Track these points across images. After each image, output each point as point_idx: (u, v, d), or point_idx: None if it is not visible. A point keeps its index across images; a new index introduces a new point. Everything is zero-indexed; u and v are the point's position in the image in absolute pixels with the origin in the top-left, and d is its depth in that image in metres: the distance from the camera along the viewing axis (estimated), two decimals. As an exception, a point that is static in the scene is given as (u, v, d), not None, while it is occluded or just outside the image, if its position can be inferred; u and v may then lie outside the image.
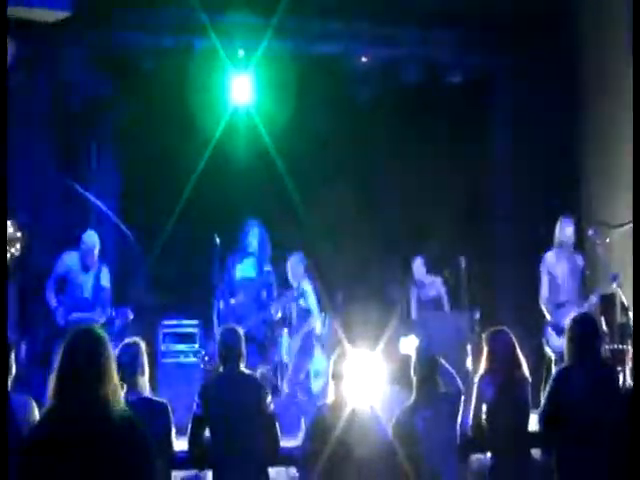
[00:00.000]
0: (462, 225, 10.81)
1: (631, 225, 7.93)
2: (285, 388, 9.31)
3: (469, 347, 9.45)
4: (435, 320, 9.80)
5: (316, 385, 9.67)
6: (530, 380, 6.15)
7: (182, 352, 9.15)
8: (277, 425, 5.88)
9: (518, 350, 6.12)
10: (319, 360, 9.96)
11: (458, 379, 6.15)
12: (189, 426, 5.82)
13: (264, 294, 8.78)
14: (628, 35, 8.91)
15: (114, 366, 3.95)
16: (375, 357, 7.25)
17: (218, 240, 8.67)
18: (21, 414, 4.81)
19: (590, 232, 8.89)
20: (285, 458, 6.19)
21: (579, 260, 8.88)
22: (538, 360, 8.44)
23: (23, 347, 8.34)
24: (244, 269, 8.79)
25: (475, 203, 11.22)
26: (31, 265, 8.73)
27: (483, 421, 5.99)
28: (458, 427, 5.99)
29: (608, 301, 8.82)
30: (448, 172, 10.97)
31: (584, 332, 5.90)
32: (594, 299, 8.61)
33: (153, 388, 6.15)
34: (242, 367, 5.94)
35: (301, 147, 10.83)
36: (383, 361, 8.04)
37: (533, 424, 6.14)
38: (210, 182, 10.49)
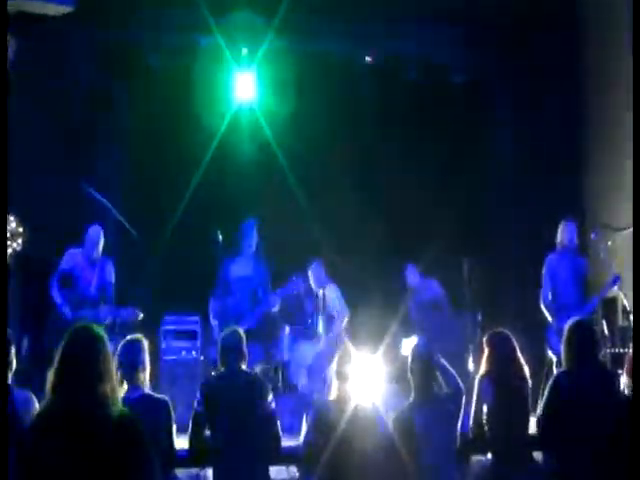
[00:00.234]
0: (463, 226, 10.80)
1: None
2: (300, 387, 9.36)
3: (471, 348, 9.46)
4: (435, 321, 9.81)
5: (318, 385, 9.68)
6: (530, 382, 6.14)
7: (183, 349, 9.14)
8: (278, 424, 5.91)
9: (519, 352, 6.12)
10: (323, 360, 9.98)
11: (459, 379, 6.14)
12: (190, 424, 5.84)
13: (260, 292, 8.75)
14: (628, 35, 8.90)
15: (112, 364, 3.98)
16: (376, 358, 7.27)
17: (220, 237, 8.66)
18: (22, 409, 4.81)
19: (593, 235, 8.90)
20: (286, 456, 6.19)
21: (581, 263, 8.88)
22: (539, 363, 8.43)
23: (25, 342, 8.34)
24: (240, 269, 8.76)
25: (476, 204, 11.20)
26: (34, 260, 8.72)
27: (483, 422, 5.99)
28: (459, 427, 5.98)
29: (610, 304, 8.83)
30: (449, 172, 10.98)
31: (581, 338, 5.94)
32: (596, 302, 8.61)
33: (155, 385, 6.16)
34: (243, 366, 5.97)
35: (304, 145, 10.84)
36: (384, 362, 8.06)
37: (533, 426, 6.14)
38: (214, 179, 10.52)
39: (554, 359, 8.38)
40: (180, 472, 6.15)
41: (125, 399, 5.35)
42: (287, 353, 10.24)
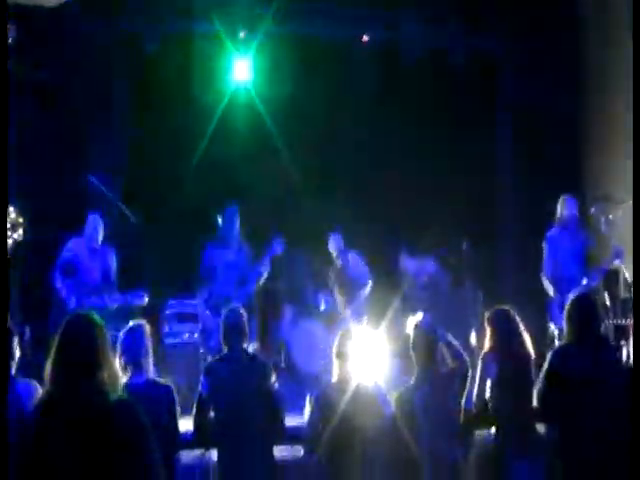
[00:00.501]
0: (463, 205, 10.78)
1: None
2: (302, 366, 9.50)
3: (473, 325, 9.49)
4: (435, 300, 9.82)
5: (320, 364, 9.72)
6: (534, 357, 6.16)
7: (186, 332, 9.18)
8: (281, 404, 5.94)
9: (521, 327, 6.14)
10: (324, 339, 10.00)
11: (464, 353, 6.15)
12: (194, 406, 5.87)
13: (242, 274, 8.69)
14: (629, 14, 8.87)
15: (110, 351, 3.98)
16: (379, 334, 7.29)
17: (220, 220, 8.66)
18: (26, 399, 4.83)
19: (593, 209, 8.89)
20: (290, 436, 6.20)
21: (582, 237, 8.88)
22: (542, 338, 8.45)
23: (27, 331, 8.36)
24: (224, 255, 8.71)
25: (477, 183, 11.18)
26: (35, 249, 8.74)
27: (487, 398, 6.01)
28: (463, 403, 5.99)
29: (612, 277, 8.84)
30: (449, 153, 10.96)
31: (582, 312, 5.94)
32: (598, 275, 8.62)
33: (157, 368, 6.16)
34: (246, 347, 5.99)
35: (302, 128, 10.83)
36: (387, 338, 8.08)
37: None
38: (212, 163, 10.52)
39: (556, 333, 8.40)
40: (185, 454, 6.21)
41: (129, 385, 5.40)
42: (288, 332, 10.30)
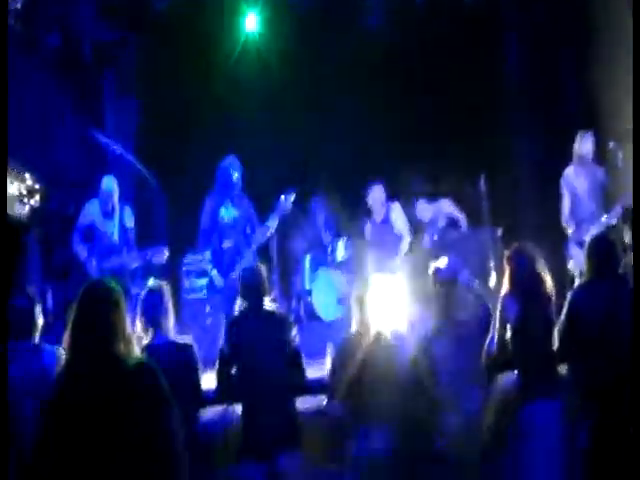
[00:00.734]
0: (481, 143, 10.69)
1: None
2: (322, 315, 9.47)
3: (492, 264, 9.47)
4: (456, 239, 9.78)
5: (340, 311, 9.76)
6: (554, 297, 6.15)
7: (204, 287, 9.20)
8: (302, 358, 5.97)
9: (541, 267, 6.10)
10: (342, 286, 10.04)
11: (487, 300, 6.14)
12: (216, 363, 5.91)
13: (248, 229, 8.49)
14: None
15: (127, 319, 4.00)
16: (399, 281, 7.28)
17: (236, 175, 8.55)
18: (51, 366, 4.88)
19: (611, 145, 8.81)
20: (312, 388, 6.26)
21: (600, 174, 8.82)
22: (561, 277, 8.43)
23: (49, 296, 8.42)
24: (227, 210, 8.49)
25: (493, 119, 11.06)
26: (52, 214, 8.77)
27: (507, 341, 6.01)
28: (485, 347, 5.99)
29: (631, 212, 8.77)
30: (465, 89, 10.82)
31: (601, 251, 5.95)
32: (617, 211, 8.56)
33: (178, 324, 6.19)
34: (266, 302, 5.98)
35: (311, 75, 10.76)
36: (407, 284, 8.07)
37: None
38: (225, 117, 10.48)
39: (576, 271, 8.38)
40: (208, 410, 6.28)
41: (150, 346, 5.48)
42: (308, 282, 10.31)
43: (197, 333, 7.93)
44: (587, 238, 6.20)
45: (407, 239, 9.66)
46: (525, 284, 5.98)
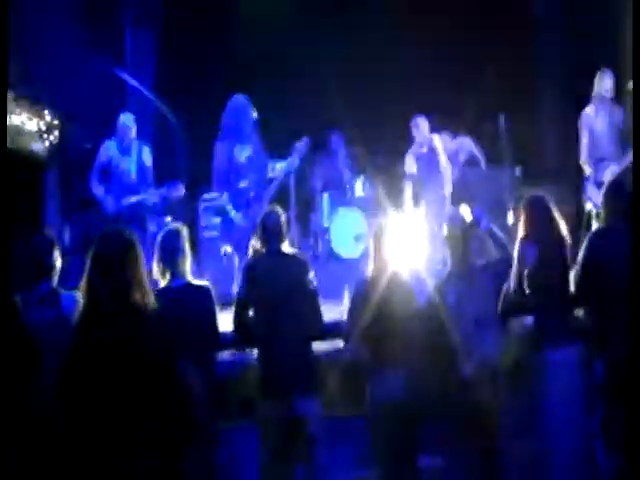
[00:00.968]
0: (500, 81, 10.59)
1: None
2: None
3: (510, 203, 9.46)
4: (474, 178, 9.76)
5: (358, 248, 9.79)
6: (569, 240, 6.16)
7: (222, 225, 9.20)
8: (320, 302, 5.94)
9: (556, 213, 6.11)
10: (360, 224, 10.06)
11: (508, 246, 6.12)
12: (233, 307, 5.89)
13: (265, 168, 8.32)
14: None
15: (143, 268, 4.01)
16: (418, 220, 7.29)
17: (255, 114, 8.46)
18: (70, 312, 4.78)
19: (630, 85, 8.70)
20: (330, 332, 6.29)
21: (618, 114, 8.72)
22: (579, 217, 8.43)
23: (67, 232, 8.46)
24: (241, 150, 8.27)
25: (512, 58, 10.94)
26: (71, 151, 8.77)
27: (525, 285, 6.03)
28: (502, 293, 5.99)
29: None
30: (484, 29, 10.70)
31: (618, 196, 5.96)
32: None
33: (197, 261, 6.22)
34: (284, 246, 5.96)
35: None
36: (426, 224, 8.08)
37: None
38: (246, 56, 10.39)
39: (593, 211, 8.36)
40: (226, 354, 6.34)
41: (167, 288, 5.51)
42: (327, 220, 10.32)
43: (213, 271, 7.99)
44: (605, 181, 6.18)
45: (449, 170, 9.48)
46: (540, 229, 6.00)
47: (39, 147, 8.34)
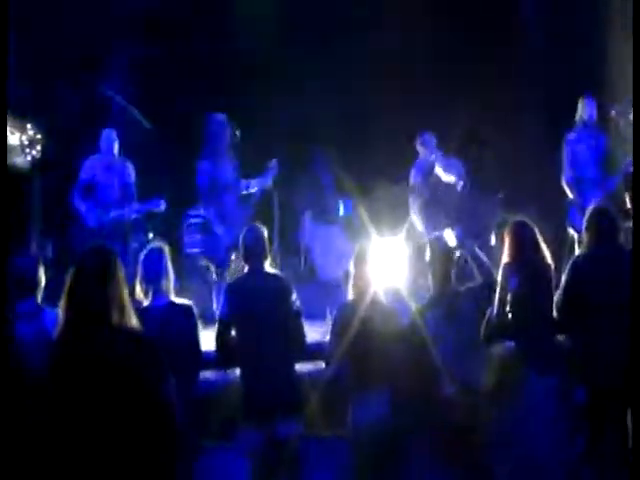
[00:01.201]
0: (481, 109, 10.59)
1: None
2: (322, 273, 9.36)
3: (493, 229, 9.47)
4: (457, 203, 9.75)
5: (339, 269, 9.77)
6: (553, 266, 6.18)
7: (205, 242, 9.18)
8: (302, 322, 5.90)
9: (540, 238, 6.14)
10: (343, 244, 10.04)
11: (493, 270, 6.12)
12: (216, 326, 5.85)
13: (243, 186, 8.50)
14: None
15: (123, 289, 3.98)
16: (399, 242, 7.28)
17: (238, 133, 8.49)
18: (52, 329, 4.78)
19: (613, 111, 8.78)
20: (312, 353, 6.27)
21: (602, 139, 8.79)
22: (561, 241, 8.46)
23: (49, 248, 8.42)
24: (222, 168, 8.40)
25: (492, 85, 10.93)
26: (53, 165, 8.72)
27: (507, 310, 6.04)
28: (485, 318, 5.97)
29: (631, 179, 8.75)
30: (465, 58, 10.68)
31: (601, 223, 6.00)
32: (618, 178, 8.56)
33: (179, 277, 6.19)
34: (266, 265, 5.92)
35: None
36: (407, 247, 8.05)
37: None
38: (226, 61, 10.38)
39: (576, 237, 8.40)
40: (208, 374, 6.30)
41: (150, 308, 5.48)
42: (308, 238, 10.31)
43: (196, 288, 7.97)
44: (587, 210, 6.21)
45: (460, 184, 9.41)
46: (524, 255, 6.03)
47: (21, 161, 8.31)
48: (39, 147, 7.89)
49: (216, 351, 5.84)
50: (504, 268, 6.05)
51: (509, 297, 5.99)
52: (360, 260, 5.92)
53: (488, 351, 6.02)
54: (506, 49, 11.02)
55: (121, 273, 4.02)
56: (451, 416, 5.70)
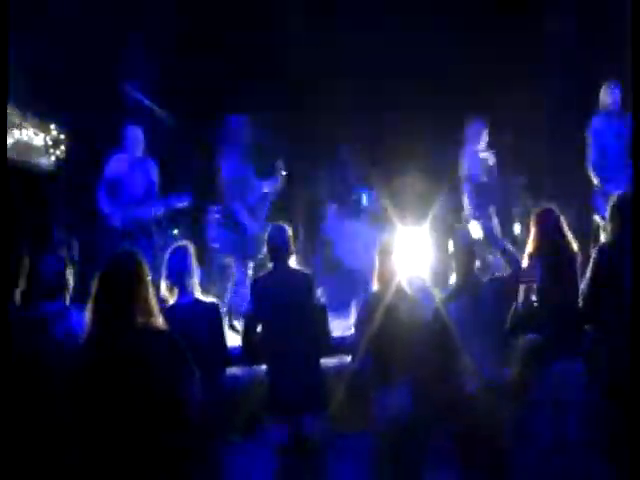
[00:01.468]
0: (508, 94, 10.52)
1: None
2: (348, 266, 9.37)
3: (517, 214, 9.43)
4: (484, 188, 9.70)
5: (364, 261, 9.76)
6: (579, 255, 6.16)
7: (230, 237, 9.18)
8: (327, 318, 5.96)
9: (566, 226, 6.12)
10: (368, 236, 10.02)
11: (517, 262, 6.09)
12: (242, 323, 5.93)
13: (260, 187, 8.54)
14: None
15: (149, 291, 4.04)
16: (423, 233, 7.28)
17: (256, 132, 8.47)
18: (79, 330, 4.83)
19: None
20: (337, 348, 6.31)
21: (626, 124, 8.72)
22: (586, 229, 8.41)
23: (76, 247, 8.45)
24: (244, 166, 8.44)
25: (518, 72, 10.87)
26: (77, 165, 8.75)
27: (533, 300, 6.03)
28: (512, 308, 5.97)
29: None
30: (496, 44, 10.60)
31: (625, 211, 5.93)
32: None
33: (204, 273, 6.22)
34: (291, 262, 5.96)
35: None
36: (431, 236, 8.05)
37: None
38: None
39: (601, 223, 8.34)
40: (234, 369, 6.34)
41: (175, 306, 5.52)
42: (333, 231, 10.30)
43: (221, 283, 8.00)
44: (610, 199, 6.18)
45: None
46: (550, 245, 6.01)
47: (46, 162, 8.36)
48: (63, 147, 7.91)
49: (242, 348, 5.90)
50: (529, 258, 6.04)
51: (535, 287, 5.98)
52: (385, 251, 5.93)
53: (513, 342, 6.03)
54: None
55: (147, 277, 4.09)
56: (472, 412, 5.69)
